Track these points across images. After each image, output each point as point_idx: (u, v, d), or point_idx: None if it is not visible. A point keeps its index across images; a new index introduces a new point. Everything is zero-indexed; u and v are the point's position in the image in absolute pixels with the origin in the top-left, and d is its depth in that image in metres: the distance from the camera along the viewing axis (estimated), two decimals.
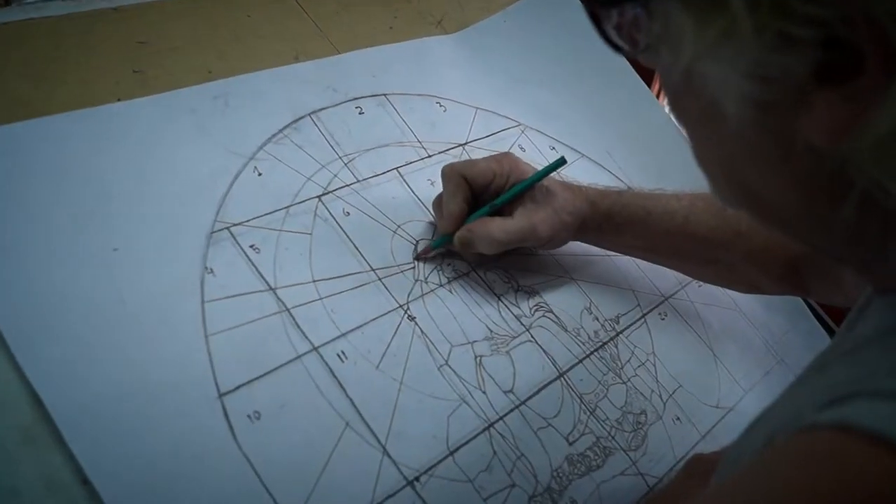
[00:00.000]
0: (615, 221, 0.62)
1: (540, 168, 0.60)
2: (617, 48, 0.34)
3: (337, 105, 0.63)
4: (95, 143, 0.51)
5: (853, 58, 0.26)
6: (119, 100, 0.54)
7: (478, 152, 0.68)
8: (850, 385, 0.30)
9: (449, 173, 0.59)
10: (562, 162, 0.60)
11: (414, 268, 0.58)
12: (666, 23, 0.31)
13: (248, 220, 0.53)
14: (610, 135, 0.77)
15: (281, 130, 0.59)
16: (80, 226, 0.48)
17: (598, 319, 0.64)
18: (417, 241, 0.60)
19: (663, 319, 0.67)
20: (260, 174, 0.56)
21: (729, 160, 0.34)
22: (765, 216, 0.36)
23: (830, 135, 0.29)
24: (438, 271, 0.59)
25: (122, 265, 0.48)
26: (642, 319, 0.66)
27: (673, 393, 0.63)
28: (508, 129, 0.72)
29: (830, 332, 0.78)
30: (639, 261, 0.69)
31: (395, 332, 0.54)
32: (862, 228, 0.32)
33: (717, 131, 0.33)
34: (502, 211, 0.59)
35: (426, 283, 0.58)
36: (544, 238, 0.59)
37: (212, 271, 0.50)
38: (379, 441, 0.49)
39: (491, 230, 0.57)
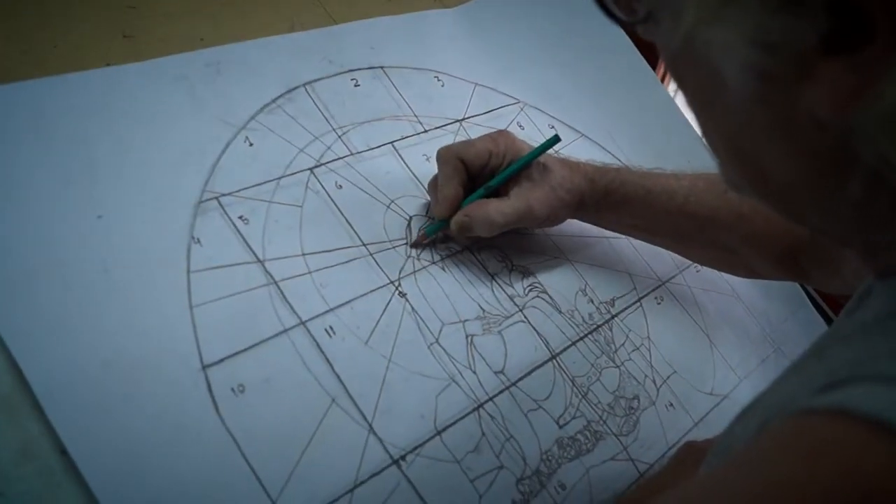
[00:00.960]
0: (613, 199, 0.61)
1: (536, 146, 0.59)
2: (614, 17, 0.33)
3: (332, 76, 0.62)
4: (82, 109, 0.50)
5: (862, 25, 0.25)
6: (108, 65, 0.53)
7: (475, 129, 0.67)
8: (849, 369, 0.29)
9: (445, 156, 0.57)
10: (556, 140, 0.58)
11: (406, 244, 0.57)
12: None
13: (237, 191, 0.52)
14: (611, 115, 0.76)
15: (274, 100, 0.58)
16: (63, 192, 0.47)
17: (592, 302, 0.63)
18: (411, 218, 0.58)
19: (659, 304, 0.66)
20: (251, 144, 0.55)
21: (732, 134, 0.33)
22: (768, 196, 0.35)
23: (836, 106, 0.28)
24: (431, 249, 0.58)
25: (106, 233, 0.46)
26: (638, 303, 0.65)
27: (667, 378, 0.62)
28: (507, 105, 0.71)
29: (829, 321, 0.77)
30: (636, 243, 0.68)
31: (385, 309, 0.53)
32: (868, 207, 0.31)
33: (719, 103, 0.32)
34: (498, 191, 0.58)
35: (418, 259, 0.57)
36: (541, 217, 0.58)
37: (199, 241, 0.49)
38: (365, 418, 0.48)
39: (489, 213, 0.56)
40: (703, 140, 0.35)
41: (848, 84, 0.27)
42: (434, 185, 0.58)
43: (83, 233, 0.46)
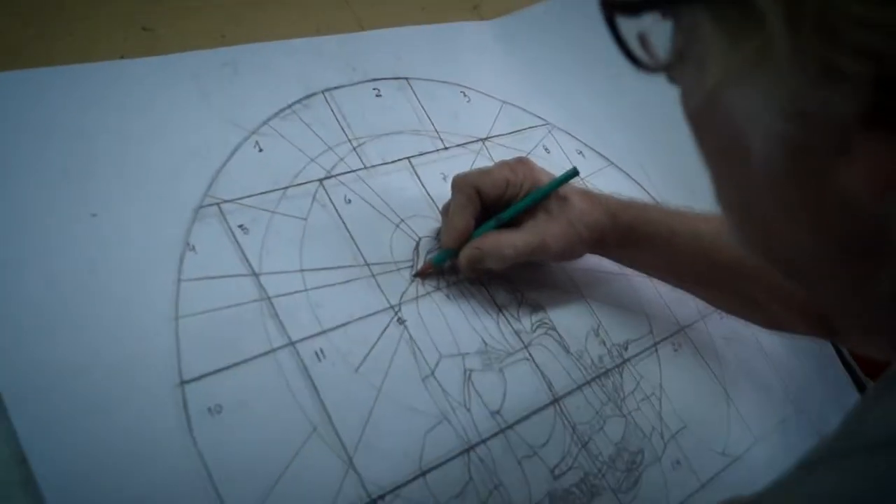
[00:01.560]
0: (636, 236, 0.58)
1: (556, 176, 0.56)
2: (636, 62, 0.30)
3: (354, 84, 0.59)
4: (89, 101, 0.48)
5: None
6: (122, 57, 0.51)
7: (498, 149, 0.64)
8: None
9: (460, 184, 0.54)
10: (574, 173, 0.55)
11: (412, 266, 0.54)
12: (692, 37, 0.27)
13: (240, 198, 0.50)
14: (644, 145, 0.72)
15: (290, 106, 0.55)
16: (59, 186, 0.45)
17: (604, 343, 0.59)
18: (420, 239, 0.56)
19: (676, 351, 0.63)
20: (261, 150, 0.53)
21: (749, 204, 0.30)
22: (785, 270, 0.32)
23: (873, 188, 0.25)
24: (439, 273, 0.55)
25: (98, 232, 0.45)
26: (653, 348, 0.62)
27: (676, 433, 0.58)
28: (535, 127, 0.68)
29: (859, 383, 0.73)
30: (658, 284, 0.65)
31: (382, 335, 0.50)
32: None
33: (738, 170, 0.29)
34: (513, 222, 0.55)
35: (423, 285, 0.54)
36: (556, 253, 0.55)
37: (193, 248, 0.47)
38: (346, 451, 0.45)
39: (500, 246, 0.53)
40: (716, 202, 0.32)
41: (889, 164, 0.24)
42: (446, 212, 0.55)
43: (75, 230, 0.44)
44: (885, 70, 0.22)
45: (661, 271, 0.62)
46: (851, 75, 0.23)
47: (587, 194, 0.57)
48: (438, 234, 0.56)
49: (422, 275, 0.54)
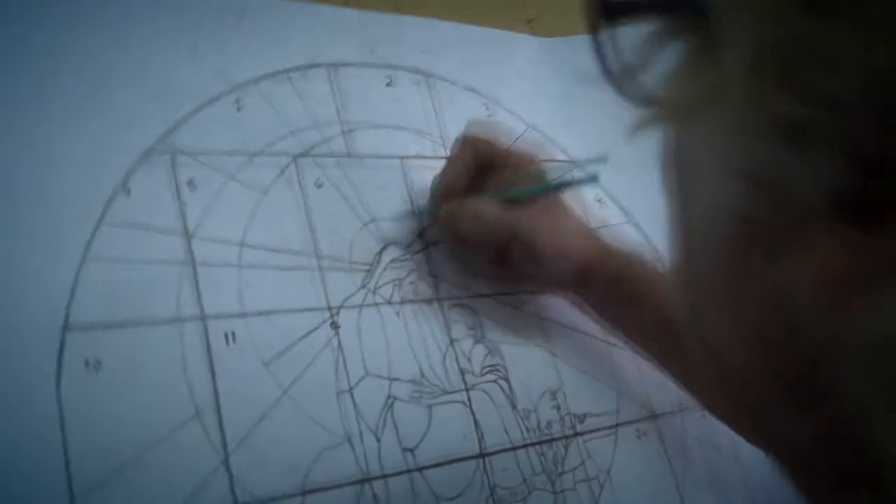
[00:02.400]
0: (626, 288, 0.51)
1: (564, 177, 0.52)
2: (608, 73, 0.25)
3: (365, 66, 0.55)
4: (67, 18, 0.45)
5: (890, 193, 0.17)
6: None
7: None
8: None
9: (473, 143, 0.51)
10: (593, 180, 0.51)
11: (369, 271, 0.50)
12: (658, 54, 0.22)
13: (199, 153, 0.47)
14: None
15: (286, 71, 0.52)
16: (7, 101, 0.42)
17: (559, 409, 0.54)
18: (385, 246, 0.51)
19: (639, 438, 0.56)
20: (239, 109, 0.49)
21: (687, 261, 0.25)
22: (709, 364, 0.26)
23: (821, 291, 0.19)
24: (396, 286, 0.51)
25: (33, 155, 0.42)
26: (614, 429, 0.55)
27: None
28: (556, 161, 0.62)
29: None
30: (644, 363, 0.58)
31: (307, 335, 0.46)
32: (828, 454, 0.22)
33: (682, 222, 0.24)
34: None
35: (374, 293, 0.49)
36: (540, 253, 0.49)
37: (128, 192, 0.43)
38: (225, 447, 0.41)
39: (481, 207, 0.49)
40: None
41: (846, 268, 0.18)
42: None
43: (6, 142, 0.41)
44: (859, 147, 0.17)
45: (644, 340, 0.55)
46: (818, 141, 0.17)
47: (586, 224, 0.53)
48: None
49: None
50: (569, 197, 0.53)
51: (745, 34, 0.19)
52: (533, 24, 0.65)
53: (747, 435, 0.54)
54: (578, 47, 0.67)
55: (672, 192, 0.26)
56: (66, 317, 0.39)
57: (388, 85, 0.56)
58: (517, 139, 0.55)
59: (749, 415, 0.25)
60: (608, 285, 0.52)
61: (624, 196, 0.64)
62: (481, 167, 0.51)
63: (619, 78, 0.25)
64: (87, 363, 0.39)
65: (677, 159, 0.24)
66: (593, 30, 0.25)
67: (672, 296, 0.48)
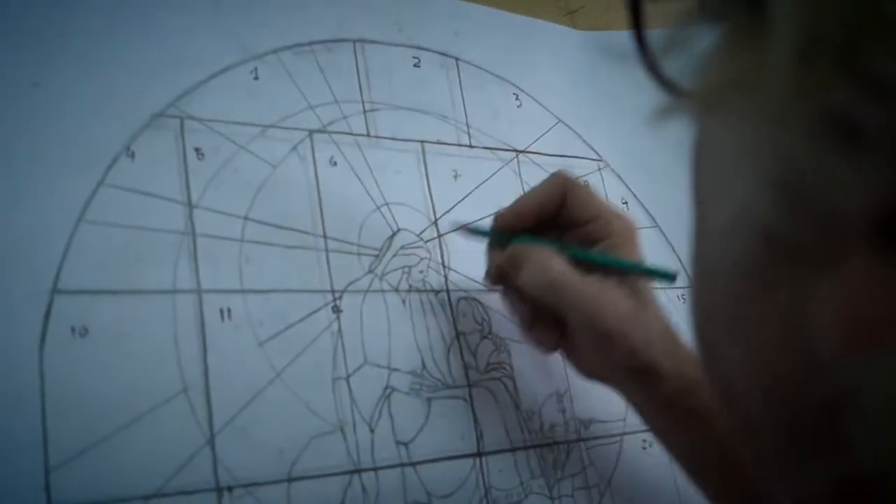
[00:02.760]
0: (688, 404, 0.42)
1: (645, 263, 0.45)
2: (643, 52, 0.22)
3: (393, 45, 0.53)
4: None
5: None
6: None
7: (532, 167, 0.57)
8: None
9: (566, 181, 0.46)
10: (670, 278, 0.44)
11: (377, 256, 0.48)
12: (699, 33, 0.20)
13: (210, 120, 0.45)
14: None
15: (311, 44, 0.50)
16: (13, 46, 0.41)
17: (564, 412, 0.52)
18: (397, 231, 0.49)
19: (645, 449, 0.54)
20: (257, 78, 0.47)
21: (698, 285, 0.22)
22: (720, 396, 0.24)
23: (850, 334, 0.17)
24: (405, 273, 0.49)
25: (32, 105, 0.40)
26: (620, 437, 0.53)
27: None
28: (584, 159, 0.60)
29: None
30: None
31: (307, 317, 0.44)
32: None
33: (698, 234, 0.22)
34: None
35: (381, 279, 0.48)
36: (600, 324, 0.42)
37: (132, 155, 0.42)
38: (211, 426, 0.40)
39: (550, 260, 0.43)
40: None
41: (882, 311, 0.16)
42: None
43: (12, 98, 0.40)
44: None
45: (699, 469, 0.46)
46: (872, 143, 0.15)
47: (667, 321, 0.44)
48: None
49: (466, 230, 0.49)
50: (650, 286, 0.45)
51: (803, 5, 0.16)
52: (574, 16, 0.63)
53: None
54: (618, 42, 0.65)
55: (692, 199, 0.23)
56: (56, 278, 0.38)
57: (415, 66, 0.54)
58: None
59: (761, 468, 0.23)
60: (670, 398, 0.43)
61: (651, 200, 0.62)
62: (564, 208, 0.46)
63: (654, 58, 0.22)
64: (73, 329, 0.38)
65: (699, 159, 0.22)
66: (633, 4, 0.23)
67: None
